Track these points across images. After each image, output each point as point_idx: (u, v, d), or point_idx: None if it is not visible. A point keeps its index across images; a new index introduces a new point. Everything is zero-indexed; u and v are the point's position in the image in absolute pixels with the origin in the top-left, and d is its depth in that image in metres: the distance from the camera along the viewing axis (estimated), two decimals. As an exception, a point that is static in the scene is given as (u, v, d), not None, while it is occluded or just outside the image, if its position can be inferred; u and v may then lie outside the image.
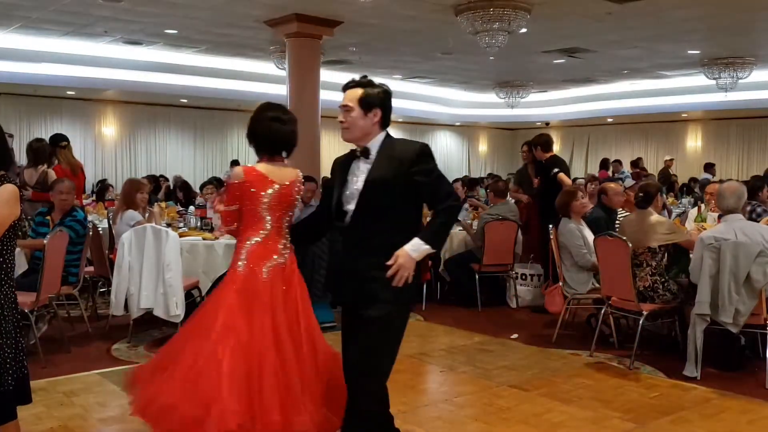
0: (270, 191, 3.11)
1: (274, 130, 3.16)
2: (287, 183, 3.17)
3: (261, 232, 3.12)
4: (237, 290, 3.05)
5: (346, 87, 2.99)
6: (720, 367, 4.90)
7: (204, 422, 2.80)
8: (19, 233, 5.75)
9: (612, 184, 6.61)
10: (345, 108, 2.95)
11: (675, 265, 5.47)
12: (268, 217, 3.13)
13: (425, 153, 2.89)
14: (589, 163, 19.92)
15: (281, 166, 3.21)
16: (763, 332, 4.74)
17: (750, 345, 5.15)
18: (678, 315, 5.26)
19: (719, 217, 5.02)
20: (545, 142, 7.44)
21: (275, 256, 3.11)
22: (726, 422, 4.02)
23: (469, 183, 12.02)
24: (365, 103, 2.92)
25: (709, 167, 14.55)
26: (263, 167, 3.15)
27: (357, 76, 3.03)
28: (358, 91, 2.94)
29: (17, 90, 13.74)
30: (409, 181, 2.84)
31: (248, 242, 3.12)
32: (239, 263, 3.09)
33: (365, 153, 2.94)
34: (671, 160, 16.02)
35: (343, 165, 3.04)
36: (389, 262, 2.78)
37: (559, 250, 5.81)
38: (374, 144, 2.94)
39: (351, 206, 2.92)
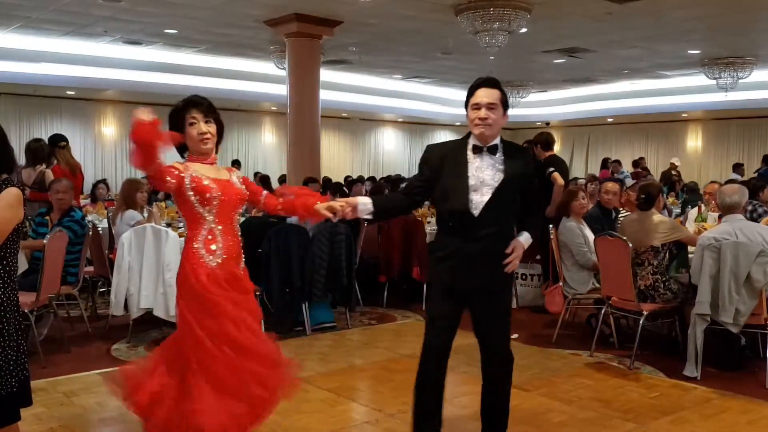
0: None
1: None
2: None
3: None
4: None
5: (486, 85, 3.14)
6: (720, 367, 4.89)
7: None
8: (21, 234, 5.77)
9: (609, 184, 6.60)
10: (491, 106, 3.10)
11: (675, 260, 5.47)
12: None
13: None
14: (589, 163, 19.93)
15: None
16: (763, 332, 4.75)
17: (750, 345, 5.15)
18: (678, 315, 5.26)
19: (719, 217, 5.02)
20: (545, 141, 7.40)
21: None
22: (726, 422, 4.01)
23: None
24: (505, 104, 3.18)
25: (737, 167, 14.07)
26: None
27: (485, 75, 3.22)
28: (497, 92, 3.15)
29: (17, 90, 13.74)
30: (526, 180, 3.21)
31: None
32: None
33: (494, 150, 3.14)
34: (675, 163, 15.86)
35: (452, 156, 3.17)
36: (508, 251, 3.14)
37: (560, 249, 5.80)
38: (497, 142, 3.17)
39: (480, 197, 3.08)
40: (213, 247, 3.02)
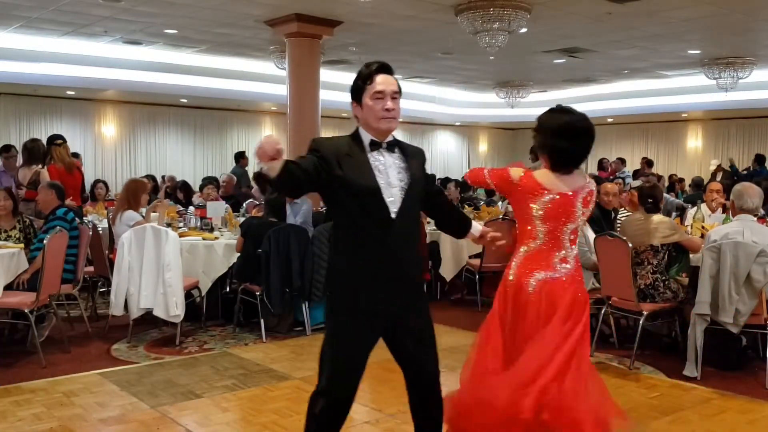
0: (544, 200, 2.90)
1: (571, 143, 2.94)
2: (569, 192, 2.91)
3: (532, 241, 2.95)
4: (502, 300, 3.01)
5: (385, 71, 2.70)
6: (720, 367, 4.89)
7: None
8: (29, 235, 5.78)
9: (609, 185, 6.57)
10: (395, 95, 2.69)
11: (676, 263, 5.47)
12: (541, 227, 2.92)
13: None
14: (589, 163, 19.92)
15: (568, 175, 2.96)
16: (763, 332, 4.74)
17: (751, 345, 5.15)
18: (678, 315, 5.26)
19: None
20: None
21: (547, 271, 2.90)
22: (726, 422, 4.01)
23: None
24: (401, 92, 2.77)
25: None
26: (541, 174, 2.94)
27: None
28: (395, 80, 2.75)
29: (17, 90, 13.74)
30: (426, 180, 2.85)
31: (520, 251, 2.99)
32: (510, 272, 2.99)
33: (392, 147, 2.72)
34: (719, 166, 15.65)
35: (348, 153, 2.63)
36: (491, 238, 3.01)
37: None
38: (391, 139, 2.74)
39: (392, 201, 2.62)
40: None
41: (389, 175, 2.64)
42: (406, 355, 2.85)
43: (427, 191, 2.85)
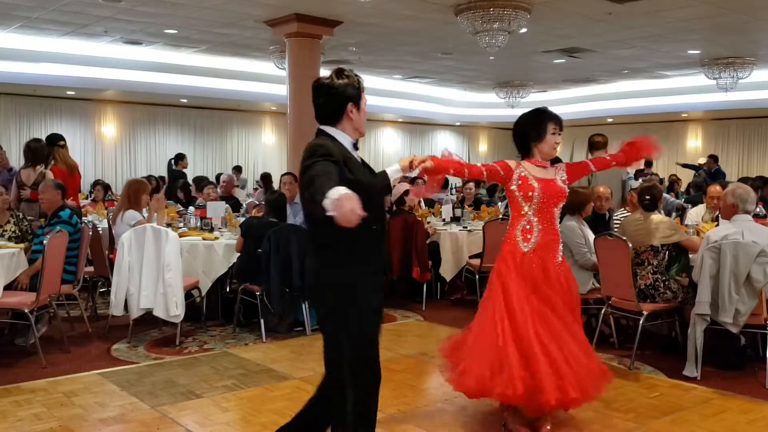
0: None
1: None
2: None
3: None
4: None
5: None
6: (720, 367, 4.90)
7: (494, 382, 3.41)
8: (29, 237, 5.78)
9: (601, 188, 6.53)
10: None
11: (676, 264, 5.47)
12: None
13: None
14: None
15: None
16: (763, 332, 4.74)
17: (751, 345, 5.15)
18: (678, 315, 5.26)
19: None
20: (589, 143, 7.06)
21: None
22: (726, 422, 4.02)
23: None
24: None
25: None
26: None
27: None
28: None
29: (17, 90, 13.75)
30: None
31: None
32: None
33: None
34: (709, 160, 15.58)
35: (343, 154, 2.72)
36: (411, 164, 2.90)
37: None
38: None
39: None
40: (529, 236, 3.67)
41: (365, 175, 2.78)
42: None
43: None
